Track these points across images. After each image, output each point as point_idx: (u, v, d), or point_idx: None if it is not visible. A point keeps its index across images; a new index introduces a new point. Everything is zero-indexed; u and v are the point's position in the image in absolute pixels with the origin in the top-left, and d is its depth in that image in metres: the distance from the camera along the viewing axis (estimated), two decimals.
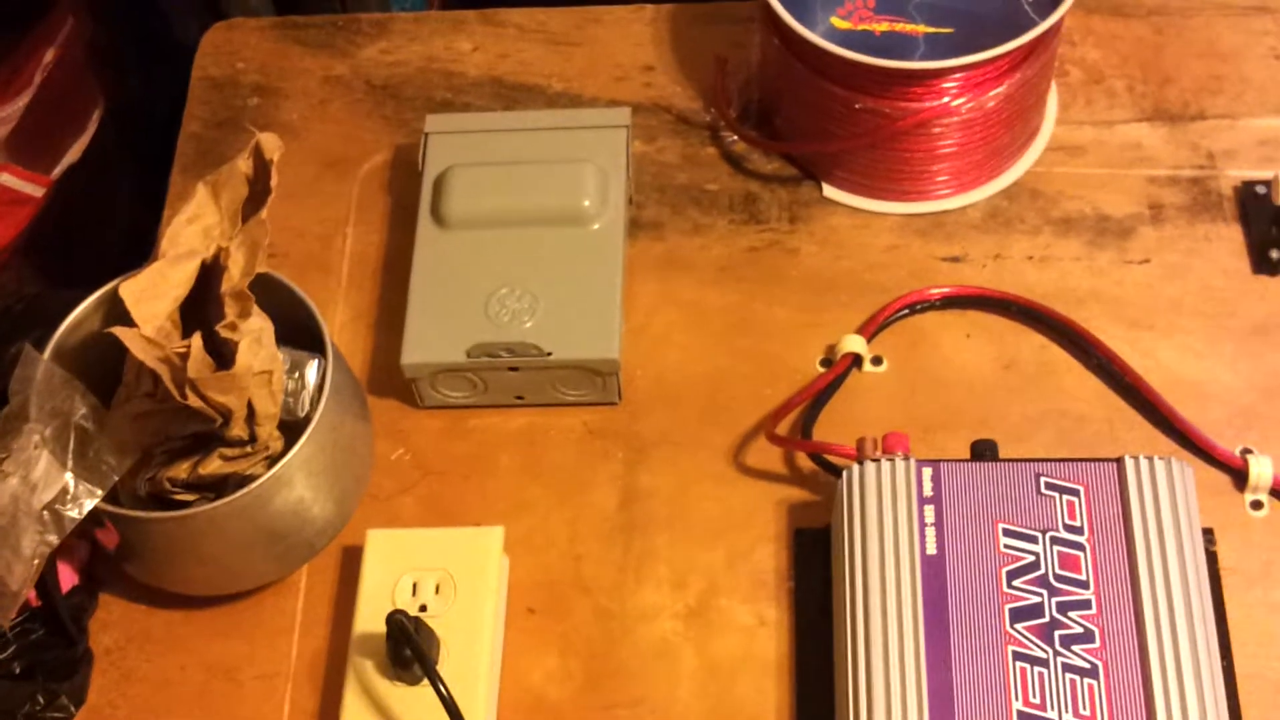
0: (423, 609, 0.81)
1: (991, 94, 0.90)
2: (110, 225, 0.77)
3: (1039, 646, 0.73)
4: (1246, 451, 0.84)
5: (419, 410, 0.91)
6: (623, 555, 0.85)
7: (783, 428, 0.87)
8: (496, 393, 0.89)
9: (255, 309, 0.77)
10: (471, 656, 0.80)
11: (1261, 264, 0.90)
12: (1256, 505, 0.83)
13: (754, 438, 0.88)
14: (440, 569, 0.82)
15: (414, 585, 0.82)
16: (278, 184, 0.79)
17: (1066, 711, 0.72)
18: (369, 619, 0.80)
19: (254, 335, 0.76)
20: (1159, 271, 0.91)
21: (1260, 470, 0.83)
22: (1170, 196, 0.94)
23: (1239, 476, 0.84)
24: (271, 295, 0.81)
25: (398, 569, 0.82)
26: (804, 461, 0.87)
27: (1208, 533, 0.82)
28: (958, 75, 0.88)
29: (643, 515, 0.86)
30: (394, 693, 0.79)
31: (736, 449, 0.88)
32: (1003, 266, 0.92)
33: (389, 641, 0.78)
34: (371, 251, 0.97)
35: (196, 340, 0.75)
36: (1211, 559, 0.81)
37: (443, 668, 0.79)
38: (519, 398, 0.90)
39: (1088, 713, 0.72)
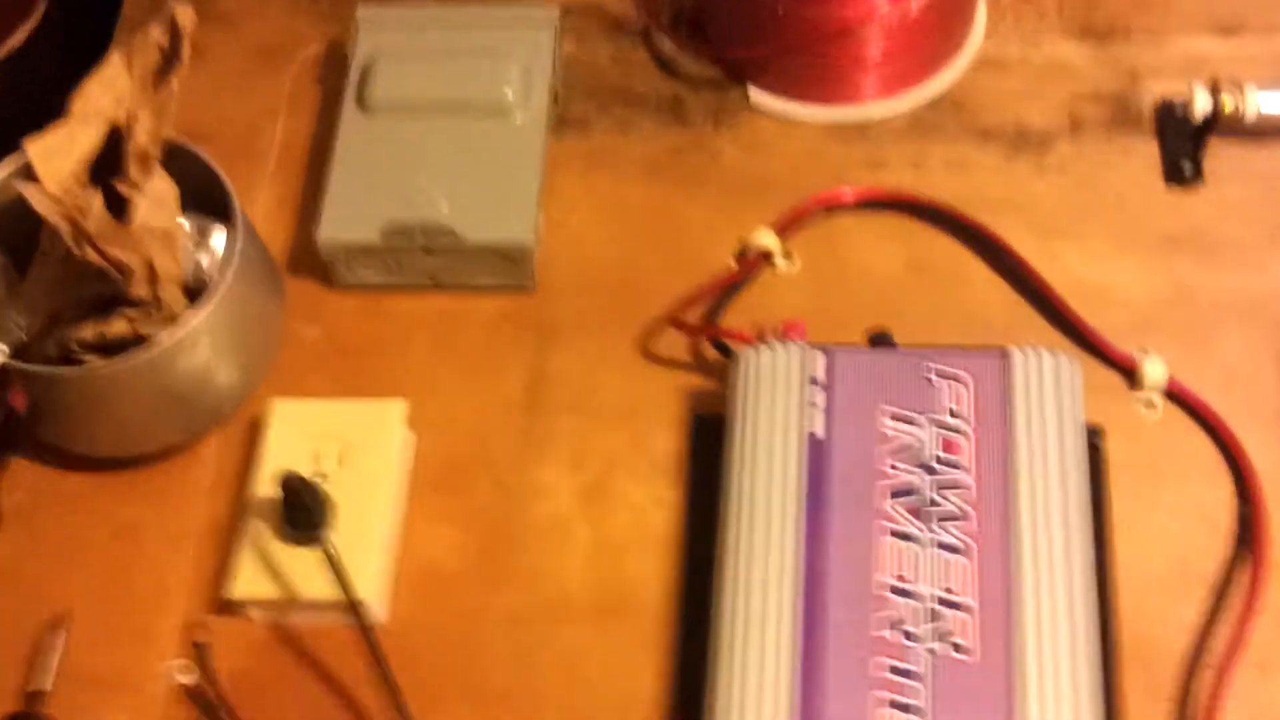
0: (323, 476, 0.82)
1: (916, 1, 0.90)
2: (53, 111, 0.78)
3: (913, 524, 0.74)
4: (1142, 353, 0.84)
5: (335, 290, 0.92)
6: (526, 435, 0.87)
7: (691, 319, 0.88)
8: (411, 275, 0.91)
9: (160, 172, 0.78)
10: (366, 524, 0.81)
11: (1173, 176, 0.91)
12: (1149, 405, 0.84)
13: (663, 328, 0.89)
14: (342, 439, 0.83)
15: (316, 453, 0.83)
16: (189, 55, 0.80)
17: (935, 585, 0.73)
18: (268, 483, 0.81)
19: (156, 196, 0.77)
20: (1073, 182, 0.92)
21: (1153, 370, 0.83)
22: (1091, 111, 0.95)
23: (1133, 377, 0.84)
24: (186, 168, 0.83)
25: (301, 438, 0.84)
26: (709, 352, 0.88)
27: (1098, 430, 0.83)
28: None
29: (548, 398, 0.88)
30: (286, 553, 0.81)
31: (645, 338, 0.89)
32: (921, 173, 0.93)
33: (283, 502, 0.79)
34: (300, 140, 0.98)
35: (97, 197, 0.76)
36: (1100, 456, 0.82)
37: (336, 533, 0.80)
38: (434, 281, 0.91)
39: (956, 588, 0.73)
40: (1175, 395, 0.84)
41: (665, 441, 0.86)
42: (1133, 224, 0.90)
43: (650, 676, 0.79)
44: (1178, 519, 0.81)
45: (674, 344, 0.89)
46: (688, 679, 0.78)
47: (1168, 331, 0.86)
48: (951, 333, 0.86)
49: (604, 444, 0.86)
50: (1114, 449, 0.83)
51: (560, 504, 0.85)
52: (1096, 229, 0.90)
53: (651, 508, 0.84)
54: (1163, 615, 0.79)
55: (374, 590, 0.80)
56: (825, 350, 0.80)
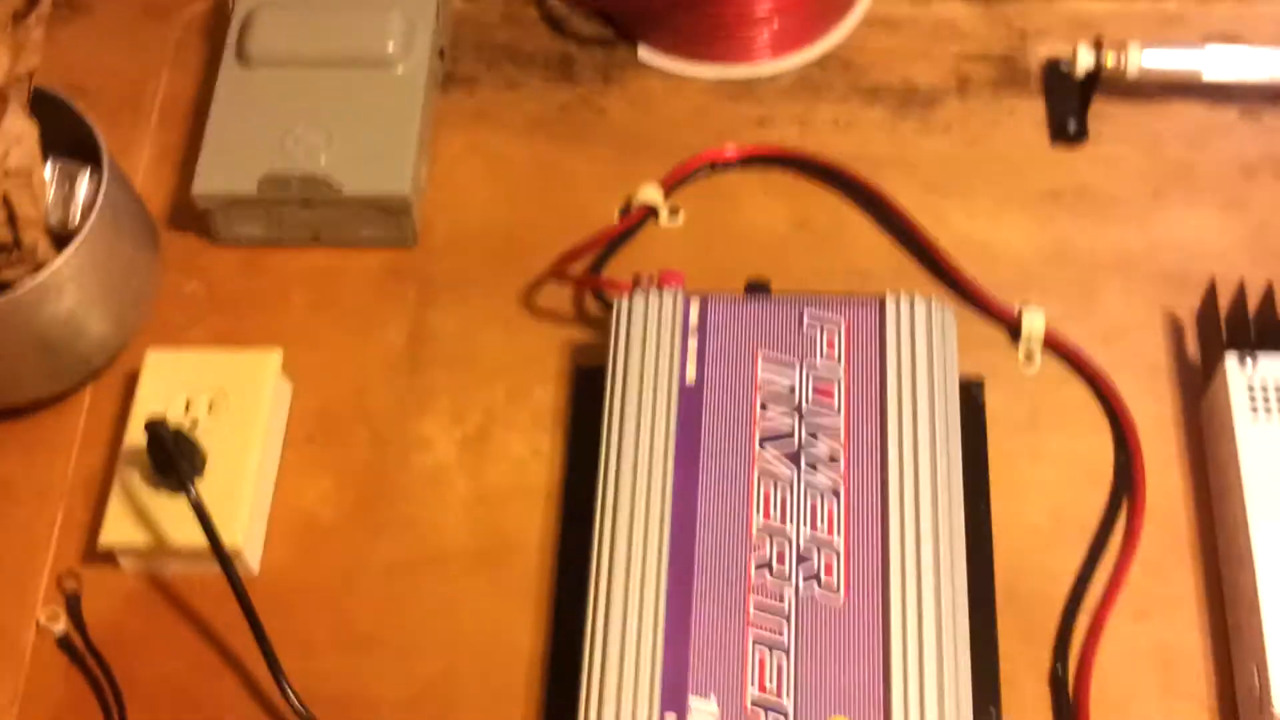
0: (194, 424, 0.81)
1: None
2: None
3: (784, 467, 0.74)
4: (1024, 306, 0.84)
5: (215, 246, 0.91)
6: (405, 390, 0.86)
7: (574, 273, 0.87)
8: (292, 230, 0.89)
9: (19, 112, 0.77)
10: (236, 471, 0.80)
11: (1058, 134, 0.91)
12: (1029, 358, 0.84)
13: (545, 282, 0.88)
14: (214, 388, 0.82)
15: (188, 402, 0.82)
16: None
17: (805, 526, 0.72)
18: (139, 432, 0.80)
19: (13, 135, 0.76)
20: (959, 140, 0.92)
21: (1032, 323, 0.83)
22: (978, 71, 0.95)
23: (1015, 330, 0.84)
24: (57, 118, 0.82)
25: (173, 387, 0.82)
26: (592, 306, 0.87)
27: (979, 382, 0.82)
28: None
29: (429, 353, 0.87)
30: (156, 501, 0.79)
31: (528, 293, 0.88)
32: (807, 131, 0.93)
33: (149, 450, 0.78)
34: (184, 95, 0.97)
35: None
36: (980, 407, 0.82)
37: (206, 480, 0.79)
38: (315, 237, 0.90)
39: (826, 528, 0.72)
40: (1055, 347, 0.84)
41: (546, 394, 0.85)
42: (1017, 181, 0.90)
43: (527, 624, 0.78)
44: (1057, 469, 0.81)
45: (557, 298, 0.88)
46: (564, 626, 0.77)
47: (1050, 286, 0.86)
48: (835, 288, 0.86)
49: (484, 397, 0.85)
50: (994, 400, 0.83)
51: (439, 456, 0.84)
52: (981, 186, 0.90)
53: (531, 459, 0.83)
54: (1040, 563, 0.78)
55: (246, 539, 0.79)
56: (700, 297, 0.79)
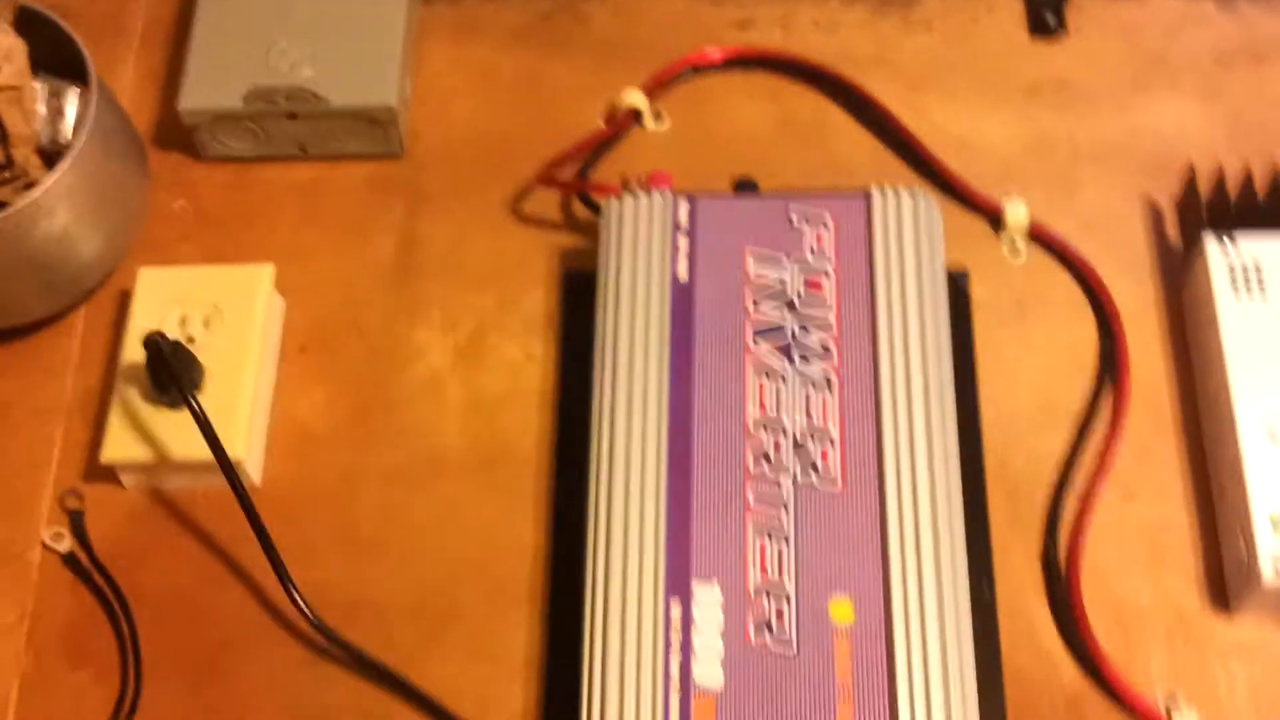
0: (190, 340, 0.81)
1: None
2: None
3: (778, 361, 0.75)
4: (1006, 198, 0.85)
5: (202, 162, 0.91)
6: (396, 299, 0.86)
7: (561, 179, 0.88)
8: (279, 143, 0.90)
9: (6, 29, 0.77)
10: (234, 384, 0.81)
11: (1037, 29, 0.92)
12: (1013, 248, 0.85)
13: (533, 189, 0.89)
14: (208, 304, 0.83)
15: (183, 318, 0.82)
16: None
17: (800, 416, 0.74)
18: (135, 349, 0.80)
19: (1, 50, 0.76)
20: (940, 38, 0.93)
21: (1015, 213, 0.85)
22: None
23: (998, 222, 0.85)
24: (43, 37, 0.82)
25: (167, 304, 0.83)
26: (580, 211, 0.88)
27: (964, 273, 0.84)
28: None
29: (418, 262, 0.88)
30: (156, 417, 0.80)
31: (515, 200, 0.89)
32: (789, 33, 0.94)
33: (148, 364, 0.78)
34: (167, 15, 0.97)
35: None
36: (966, 297, 0.83)
37: (205, 394, 0.80)
38: (302, 149, 0.90)
39: (820, 418, 0.73)
40: (1038, 238, 0.85)
41: (537, 299, 0.86)
42: (997, 76, 0.91)
43: (528, 525, 0.79)
44: (1042, 356, 0.82)
45: (545, 205, 0.89)
46: (565, 525, 0.78)
47: (1031, 178, 0.87)
48: (821, 185, 0.87)
49: (475, 304, 0.86)
50: (979, 291, 0.84)
51: (433, 363, 0.85)
52: (962, 82, 0.91)
53: (524, 363, 0.84)
54: (1029, 447, 0.80)
55: (246, 451, 0.80)
56: (689, 197, 0.80)
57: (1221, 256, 0.78)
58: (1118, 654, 0.74)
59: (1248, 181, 0.81)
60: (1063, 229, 0.85)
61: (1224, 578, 0.75)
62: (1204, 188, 0.82)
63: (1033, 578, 0.77)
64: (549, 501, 0.80)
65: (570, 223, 0.88)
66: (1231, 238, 0.79)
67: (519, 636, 0.77)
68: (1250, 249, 0.78)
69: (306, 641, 0.77)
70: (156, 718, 0.76)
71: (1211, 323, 0.77)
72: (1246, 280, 0.78)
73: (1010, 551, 0.77)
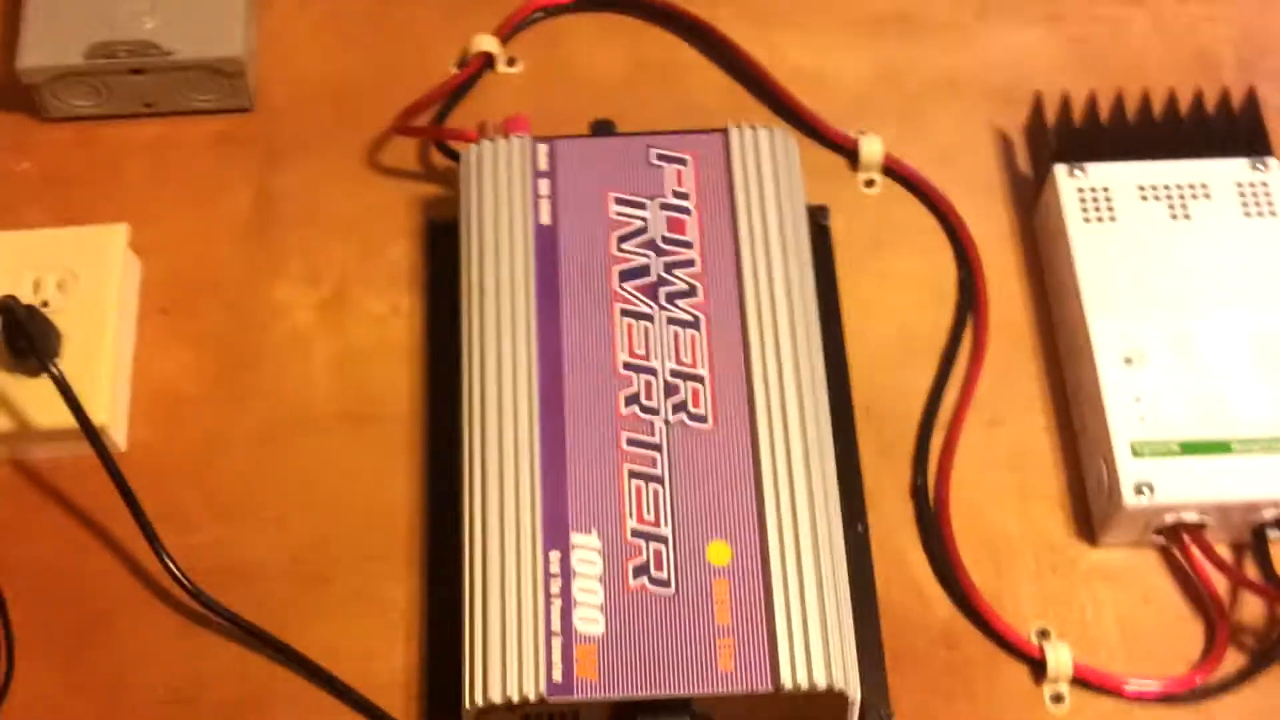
0: (45, 305, 0.80)
1: None
2: None
3: (645, 303, 0.75)
4: (860, 133, 0.86)
5: (46, 123, 0.89)
6: (255, 255, 0.85)
7: (417, 126, 0.87)
8: (124, 100, 0.88)
9: None
10: (93, 348, 0.79)
11: None
12: (869, 183, 0.86)
13: (389, 138, 0.88)
14: (62, 267, 0.81)
15: (36, 283, 0.81)
16: None
17: (669, 359, 0.74)
18: None
19: None
20: None
21: (869, 148, 0.86)
22: None
23: (854, 158, 0.86)
24: None
25: (18, 268, 0.81)
26: (439, 159, 0.87)
27: (823, 209, 0.85)
28: None
29: (276, 217, 0.86)
30: (14, 385, 0.78)
31: (371, 149, 0.88)
32: None
33: (3, 331, 0.77)
34: None
35: None
36: (826, 233, 0.84)
37: (64, 359, 0.78)
38: (149, 106, 0.88)
39: (689, 359, 0.74)
40: (893, 171, 0.86)
41: (400, 250, 0.85)
42: (844, 9, 0.92)
43: (402, 479, 0.79)
44: (903, 289, 0.84)
45: (403, 154, 0.88)
46: (439, 480, 0.78)
47: (883, 112, 0.88)
48: (675, 126, 0.87)
49: (337, 257, 0.85)
50: (839, 226, 0.85)
51: (296, 320, 0.84)
52: (810, 18, 0.92)
53: (390, 316, 0.84)
54: (894, 380, 0.81)
55: (110, 416, 0.78)
56: (548, 141, 0.80)
57: (1070, 183, 0.80)
58: (989, 585, 0.76)
59: (1092, 108, 0.82)
60: (916, 162, 0.86)
61: (1087, 502, 0.77)
62: (1051, 116, 0.83)
63: (904, 511, 0.78)
64: (423, 455, 0.80)
65: (430, 171, 0.87)
66: (1081, 166, 0.80)
67: (398, 592, 0.77)
68: (1099, 175, 0.80)
69: (182, 609, 0.76)
70: (30, 698, 0.75)
71: (1064, 249, 0.79)
72: (1096, 205, 0.79)
73: (881, 486, 0.79)
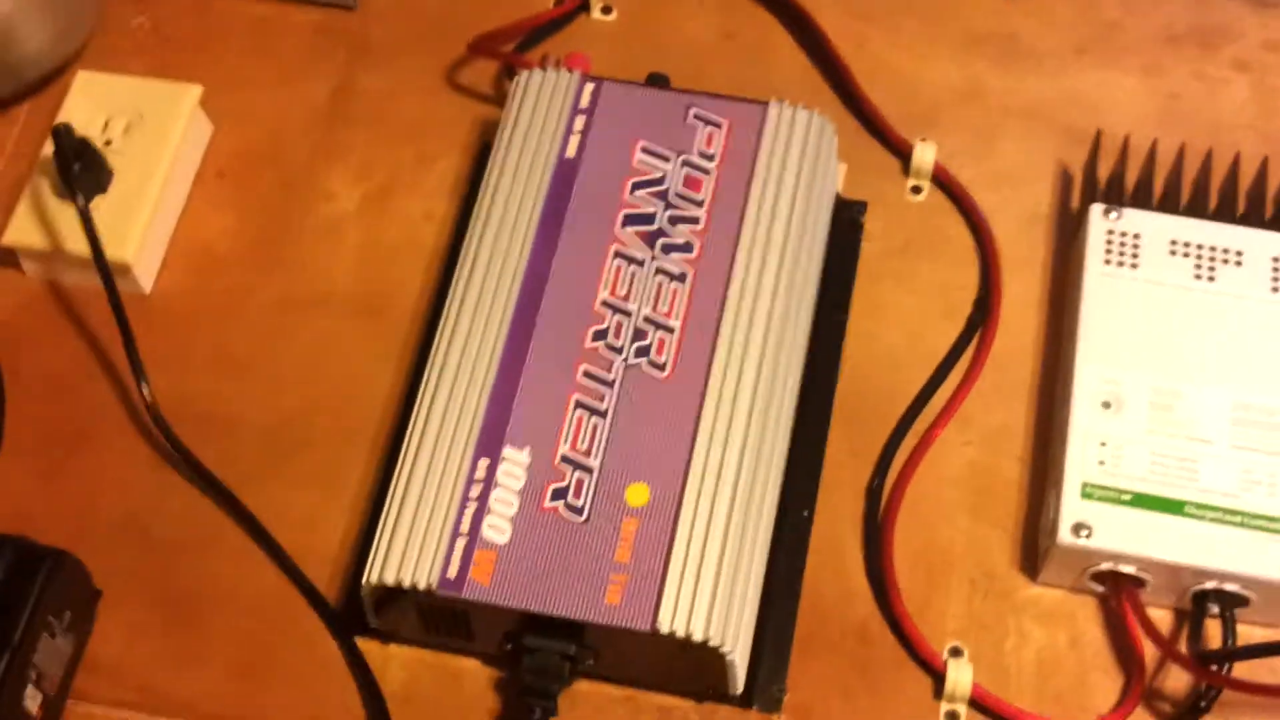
0: (108, 144, 0.85)
1: None
2: None
3: (640, 248, 0.77)
4: (921, 140, 0.86)
5: None
6: (319, 142, 0.89)
7: (497, 50, 0.90)
8: None
9: None
10: (138, 192, 0.84)
11: None
12: (916, 190, 0.86)
13: (473, 59, 0.91)
14: (134, 112, 0.86)
15: (106, 122, 0.86)
16: None
17: (647, 305, 0.75)
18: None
19: None
20: None
21: (923, 155, 0.85)
22: None
23: (908, 161, 0.86)
24: None
25: (96, 107, 0.86)
26: (507, 84, 0.90)
27: (861, 204, 0.85)
28: None
29: (348, 111, 0.90)
30: (62, 210, 0.83)
31: (453, 65, 0.91)
32: None
33: (55, 155, 0.82)
34: None
35: None
36: (857, 228, 0.84)
37: (109, 196, 0.83)
38: None
39: (665, 311, 0.75)
40: (942, 182, 0.86)
41: (451, 163, 0.88)
42: (948, 21, 0.91)
43: (391, 370, 0.82)
44: (920, 296, 0.83)
45: (479, 75, 0.91)
46: (422, 379, 0.80)
47: (954, 125, 0.88)
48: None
49: (392, 158, 0.89)
50: (875, 224, 0.85)
51: (339, 207, 0.87)
52: (911, 21, 0.92)
53: (423, 221, 0.87)
54: (885, 382, 0.81)
55: (138, 257, 0.83)
56: (596, 80, 0.82)
57: (1102, 224, 0.79)
58: (917, 594, 0.75)
59: (1150, 157, 0.81)
60: (970, 178, 0.86)
61: (1037, 535, 0.76)
62: (1110, 158, 0.82)
63: (855, 508, 0.78)
64: (415, 352, 0.82)
65: (499, 94, 0.90)
66: (1119, 210, 0.79)
67: (358, 472, 0.80)
68: (1135, 222, 0.79)
69: (155, 445, 0.80)
70: (5, 491, 0.79)
71: (1078, 287, 0.78)
72: (1122, 253, 0.78)
73: (840, 479, 0.78)
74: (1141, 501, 0.72)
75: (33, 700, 0.70)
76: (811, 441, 0.78)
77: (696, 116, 0.80)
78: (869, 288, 0.83)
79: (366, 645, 0.74)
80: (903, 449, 0.79)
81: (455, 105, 0.90)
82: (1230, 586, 0.71)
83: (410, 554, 0.70)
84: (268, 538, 0.77)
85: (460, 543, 0.70)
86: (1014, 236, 0.84)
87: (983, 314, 0.82)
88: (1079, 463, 0.73)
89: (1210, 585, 0.71)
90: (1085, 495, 0.72)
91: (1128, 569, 0.72)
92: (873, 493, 0.78)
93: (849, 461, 0.79)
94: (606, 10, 0.92)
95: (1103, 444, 0.73)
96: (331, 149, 0.89)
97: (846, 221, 0.84)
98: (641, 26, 0.92)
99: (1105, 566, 0.72)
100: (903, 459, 0.79)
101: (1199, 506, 0.72)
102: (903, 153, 0.87)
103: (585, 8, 0.92)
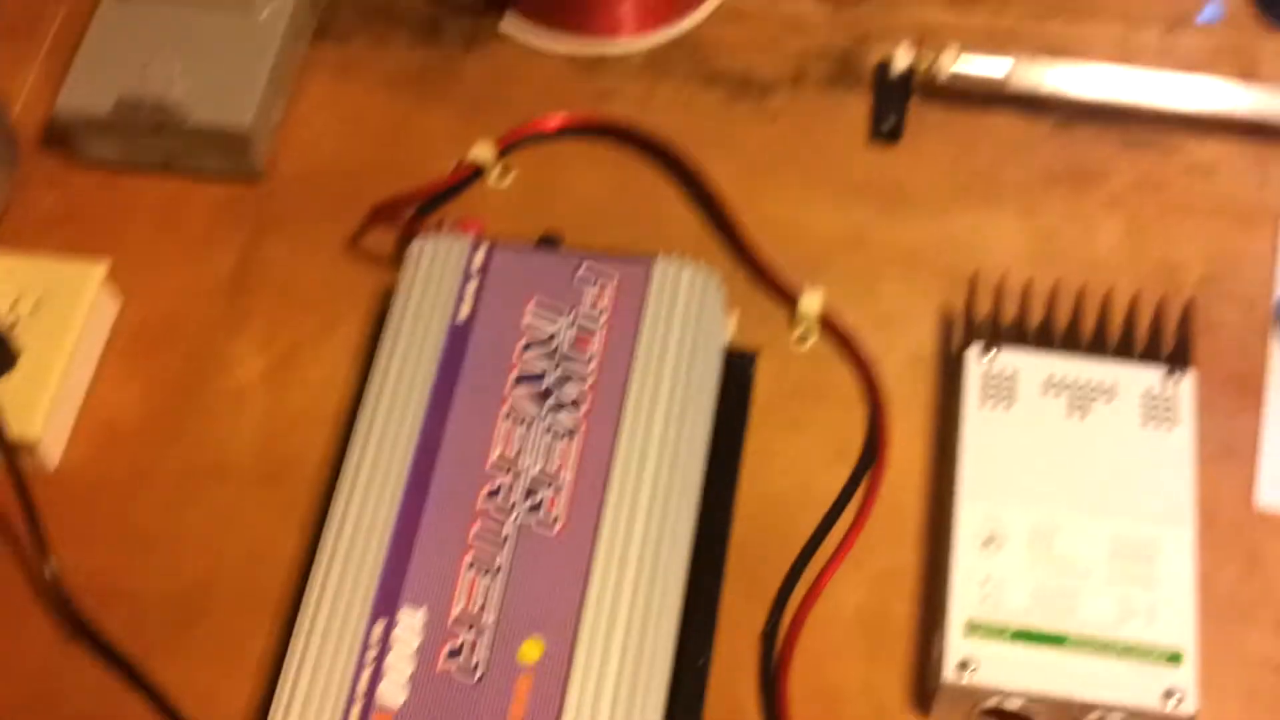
0: (15, 323, 0.87)
1: None
2: None
3: (531, 407, 0.79)
4: (808, 288, 0.89)
5: (79, 164, 0.97)
6: (224, 312, 0.91)
7: (397, 219, 0.92)
8: (146, 153, 0.95)
9: None
10: (44, 369, 0.86)
11: (877, 131, 0.95)
12: (803, 337, 0.88)
13: (374, 226, 0.93)
14: (39, 291, 0.88)
15: (14, 301, 0.88)
16: None
17: (537, 463, 0.77)
18: None
19: None
20: (785, 129, 0.97)
21: (810, 303, 0.88)
22: (816, 67, 0.99)
23: (795, 309, 0.89)
24: None
25: (5, 289, 0.88)
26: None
27: (752, 353, 0.87)
28: None
29: (253, 280, 0.92)
30: None
31: (356, 234, 0.93)
32: (646, 107, 0.98)
33: None
34: (79, 25, 1.03)
35: None
36: (749, 376, 0.87)
37: (15, 374, 0.85)
38: (167, 164, 0.96)
39: (555, 468, 0.77)
40: (829, 328, 0.88)
41: (353, 329, 0.90)
42: (830, 171, 0.94)
43: (294, 538, 0.83)
44: (810, 441, 0.85)
45: (382, 242, 0.93)
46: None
47: (839, 271, 0.90)
48: (640, 253, 0.90)
49: (295, 326, 0.91)
50: (765, 371, 0.87)
51: (243, 376, 0.89)
52: (795, 173, 0.95)
53: (326, 388, 0.88)
54: (777, 526, 0.82)
55: (45, 433, 0.85)
56: (488, 245, 0.84)
57: (979, 364, 0.81)
58: None
59: (1025, 299, 0.83)
60: (855, 322, 0.88)
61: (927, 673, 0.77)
62: (989, 298, 0.84)
63: (751, 652, 0.79)
64: (318, 520, 0.84)
65: (399, 260, 0.92)
66: (994, 350, 0.81)
67: (260, 643, 0.81)
68: (1010, 362, 0.81)
69: (60, 621, 0.81)
70: None
71: (958, 427, 0.80)
72: (998, 390, 0.80)
73: (737, 625, 0.80)
74: (1024, 636, 0.73)
75: None
76: (706, 589, 0.80)
77: (585, 275, 0.83)
78: (760, 434, 0.85)
79: None
80: (797, 592, 0.81)
81: (357, 272, 0.92)
82: (1114, 718, 0.72)
83: None
84: (172, 712, 0.78)
85: (356, 708, 0.71)
86: (899, 378, 0.86)
87: (871, 456, 0.84)
88: (962, 600, 0.75)
89: (1094, 717, 0.72)
90: (969, 633, 0.74)
91: (1015, 704, 0.73)
92: (768, 637, 0.79)
93: (744, 606, 0.80)
94: (503, 174, 0.95)
95: (985, 581, 0.75)
96: (236, 319, 0.91)
97: (738, 370, 0.86)
98: (537, 188, 0.95)
99: (993, 702, 0.73)
100: (797, 602, 0.80)
101: (1080, 639, 0.73)
102: (791, 300, 0.89)
103: (483, 172, 0.95)
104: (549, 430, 0.78)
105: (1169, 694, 0.72)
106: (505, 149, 0.96)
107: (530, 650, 0.73)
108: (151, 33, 0.96)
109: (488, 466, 0.77)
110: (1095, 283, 0.86)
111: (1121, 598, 0.74)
